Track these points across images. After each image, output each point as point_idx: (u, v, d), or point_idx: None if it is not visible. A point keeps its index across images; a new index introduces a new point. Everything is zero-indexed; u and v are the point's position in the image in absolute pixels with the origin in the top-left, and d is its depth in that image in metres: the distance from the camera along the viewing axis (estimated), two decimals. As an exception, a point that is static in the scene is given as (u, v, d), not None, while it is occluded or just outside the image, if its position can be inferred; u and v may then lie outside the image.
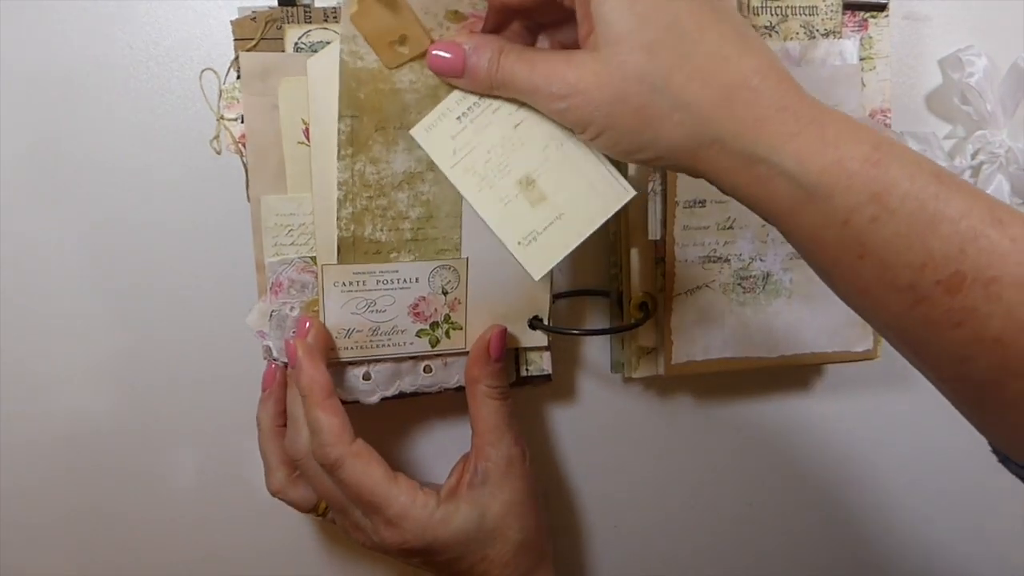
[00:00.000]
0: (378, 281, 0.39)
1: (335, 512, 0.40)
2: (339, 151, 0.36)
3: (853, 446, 0.54)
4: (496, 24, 0.34)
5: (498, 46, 0.32)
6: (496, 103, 0.34)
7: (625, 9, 0.29)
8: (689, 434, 0.51)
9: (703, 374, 0.45)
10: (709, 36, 0.29)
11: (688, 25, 0.29)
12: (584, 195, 0.33)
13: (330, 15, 0.37)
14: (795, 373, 0.52)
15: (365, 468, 0.37)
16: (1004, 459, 0.32)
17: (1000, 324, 0.26)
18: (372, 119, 0.36)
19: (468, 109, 0.33)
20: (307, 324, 0.38)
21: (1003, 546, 0.59)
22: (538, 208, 0.32)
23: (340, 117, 0.35)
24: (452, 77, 0.33)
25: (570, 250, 0.34)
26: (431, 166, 0.36)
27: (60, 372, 0.44)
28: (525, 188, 0.32)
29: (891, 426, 0.54)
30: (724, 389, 0.51)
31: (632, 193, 0.33)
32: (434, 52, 0.33)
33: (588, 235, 0.34)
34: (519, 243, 0.32)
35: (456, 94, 0.34)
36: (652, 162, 0.31)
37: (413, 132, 0.33)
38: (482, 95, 0.34)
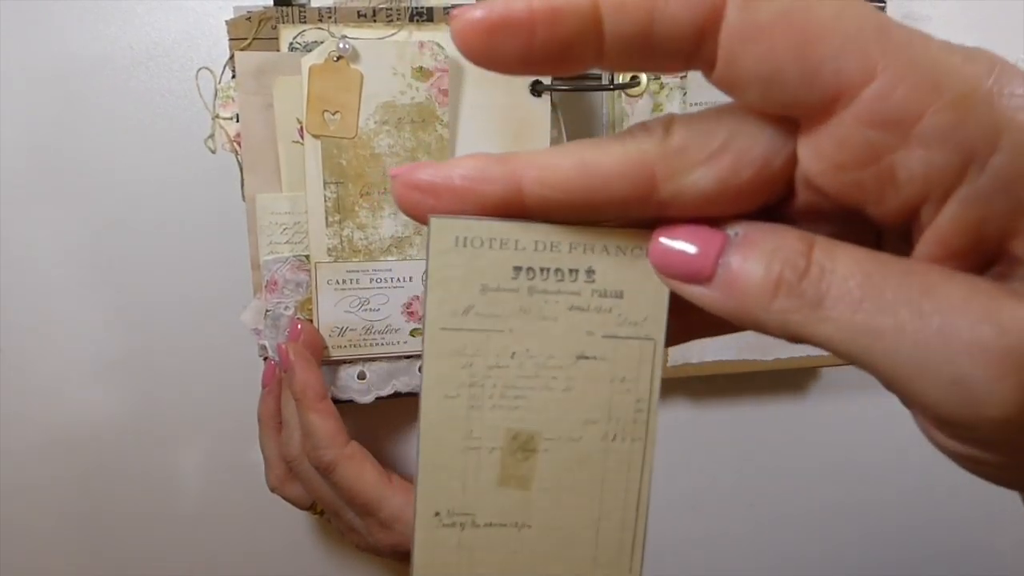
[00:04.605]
0: (372, 279, 0.39)
1: (329, 514, 0.40)
2: (326, 218, 0.37)
3: (849, 448, 0.54)
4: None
5: (803, 244, 0.16)
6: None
7: None
8: (686, 436, 0.51)
9: (699, 377, 0.45)
10: None
11: None
12: (577, 533, 0.18)
13: (325, 15, 0.37)
14: (791, 376, 0.51)
15: (358, 471, 0.37)
16: None
17: None
18: (356, 185, 0.37)
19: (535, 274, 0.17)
20: (298, 327, 0.38)
21: (1005, 544, 0.58)
22: (504, 491, 0.18)
23: (324, 184, 0.36)
24: (689, 283, 0.16)
25: None
26: (419, 229, 0.36)
27: (57, 371, 0.44)
28: (511, 448, 0.17)
29: (886, 428, 0.54)
30: (720, 391, 0.51)
31: None
32: (662, 239, 0.16)
33: None
34: (435, 514, 0.18)
35: (529, 230, 0.16)
36: None
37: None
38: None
